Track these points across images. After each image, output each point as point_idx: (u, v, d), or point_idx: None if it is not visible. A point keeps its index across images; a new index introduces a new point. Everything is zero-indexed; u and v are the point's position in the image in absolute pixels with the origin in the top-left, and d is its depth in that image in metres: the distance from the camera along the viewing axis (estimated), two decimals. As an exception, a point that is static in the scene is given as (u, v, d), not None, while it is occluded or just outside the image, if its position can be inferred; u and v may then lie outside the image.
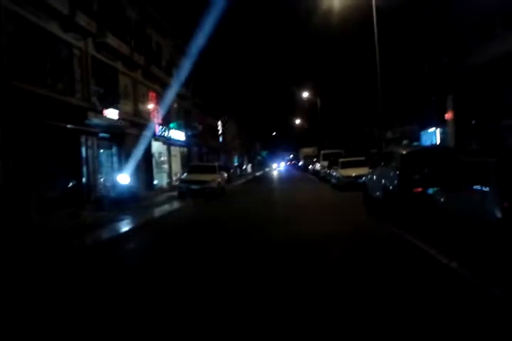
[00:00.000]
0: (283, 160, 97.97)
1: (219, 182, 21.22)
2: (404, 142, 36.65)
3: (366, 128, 52.10)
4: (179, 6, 31.34)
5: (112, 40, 17.74)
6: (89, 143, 15.86)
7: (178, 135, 29.16)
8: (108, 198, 16.53)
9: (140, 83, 22.73)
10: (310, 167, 45.10)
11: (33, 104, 12.06)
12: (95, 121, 15.49)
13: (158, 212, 15.34)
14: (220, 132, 50.55)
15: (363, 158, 22.58)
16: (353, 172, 19.33)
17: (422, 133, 31.71)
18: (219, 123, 49.96)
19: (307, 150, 68.47)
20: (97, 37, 16.79)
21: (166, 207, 16.71)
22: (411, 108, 34.06)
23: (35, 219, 10.88)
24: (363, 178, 13.16)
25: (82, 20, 15.07)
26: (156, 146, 25.31)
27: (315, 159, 50.28)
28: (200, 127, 36.82)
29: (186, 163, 32.93)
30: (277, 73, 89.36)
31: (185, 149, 33.21)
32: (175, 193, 23.33)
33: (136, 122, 21.15)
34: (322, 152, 31.11)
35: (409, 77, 32.88)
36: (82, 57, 16.02)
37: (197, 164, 25.00)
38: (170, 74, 28.01)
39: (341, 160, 21.51)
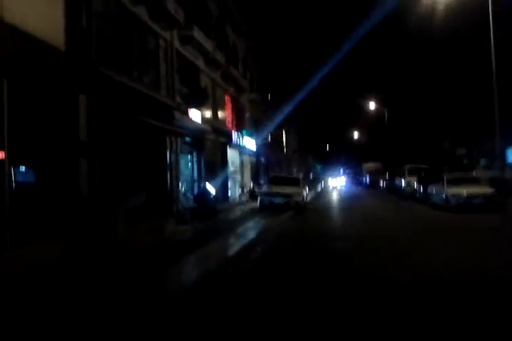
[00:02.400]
0: (341, 174, 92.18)
1: (303, 197, 18.82)
2: (483, 160, 32.76)
3: (436, 143, 48.28)
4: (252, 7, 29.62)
5: (198, 34, 15.91)
6: (174, 146, 13.93)
7: (250, 144, 27.11)
8: (189, 209, 14.62)
9: (218, 85, 20.85)
10: (382, 183, 41.71)
11: (121, 96, 10.19)
12: (181, 121, 13.56)
13: (248, 229, 13.04)
14: (284, 143, 48.37)
15: (473, 175, 19.54)
16: (465, 190, 16.48)
17: (509, 149, 28.07)
18: (283, 134, 47.80)
19: (371, 165, 64.78)
20: (184, 28, 14.97)
21: (253, 224, 14.41)
22: (491, 122, 30.51)
23: (122, 234, 8.84)
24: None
25: (170, 6, 13.28)
26: (230, 155, 23.31)
27: (384, 175, 46.81)
28: (269, 136, 34.80)
29: (255, 174, 30.88)
30: (341, 81, 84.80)
31: (254, 159, 31.13)
32: (250, 206, 21.24)
33: (215, 127, 19.20)
34: (407, 166, 27.89)
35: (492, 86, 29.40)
36: (167, 49, 14.23)
37: (278, 175, 22.76)
38: (245, 77, 26.17)
39: (448, 176, 18.52)
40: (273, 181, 19.73)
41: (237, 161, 25.58)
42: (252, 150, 28.03)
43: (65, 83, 8.30)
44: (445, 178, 18.22)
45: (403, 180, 27.80)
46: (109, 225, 8.54)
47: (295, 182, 19.48)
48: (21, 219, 7.16)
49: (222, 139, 21.26)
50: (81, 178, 8.60)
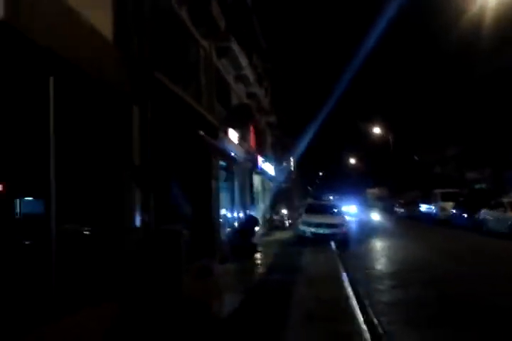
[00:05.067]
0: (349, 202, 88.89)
1: (348, 226, 16.79)
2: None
3: (438, 167, 46.79)
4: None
5: (235, 46, 14.20)
6: (214, 171, 11.91)
7: (271, 169, 25.21)
8: (229, 245, 12.62)
9: (244, 105, 19.06)
10: (397, 209, 39.81)
11: (173, 109, 8.26)
12: (224, 142, 11.65)
13: (314, 272, 10.57)
14: (292, 169, 46.44)
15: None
16: None
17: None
18: (291, 160, 45.92)
19: (375, 191, 64.76)
20: (222, 39, 13.26)
21: (311, 264, 11.88)
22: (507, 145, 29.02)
23: (186, 286, 6.69)
24: None
25: (214, 10, 11.57)
26: (255, 181, 21.34)
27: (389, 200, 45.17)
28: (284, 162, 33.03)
29: (273, 201, 28.81)
30: (343, 107, 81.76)
31: (272, 186, 29.12)
32: (277, 236, 19.26)
33: (246, 150, 17.28)
34: (439, 191, 26.18)
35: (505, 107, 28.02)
36: (206, 61, 12.43)
37: (314, 202, 20.73)
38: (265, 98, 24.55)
39: (508, 200, 16.73)
40: (310, 209, 17.62)
41: (260, 188, 23.58)
42: (272, 176, 26.12)
43: (118, 89, 6.34)
44: (506, 202, 16.45)
45: (434, 206, 26.00)
46: (172, 274, 6.40)
47: (335, 210, 17.48)
48: (66, 275, 5.04)
49: (249, 164, 19.31)
50: (133, 215, 6.51)
